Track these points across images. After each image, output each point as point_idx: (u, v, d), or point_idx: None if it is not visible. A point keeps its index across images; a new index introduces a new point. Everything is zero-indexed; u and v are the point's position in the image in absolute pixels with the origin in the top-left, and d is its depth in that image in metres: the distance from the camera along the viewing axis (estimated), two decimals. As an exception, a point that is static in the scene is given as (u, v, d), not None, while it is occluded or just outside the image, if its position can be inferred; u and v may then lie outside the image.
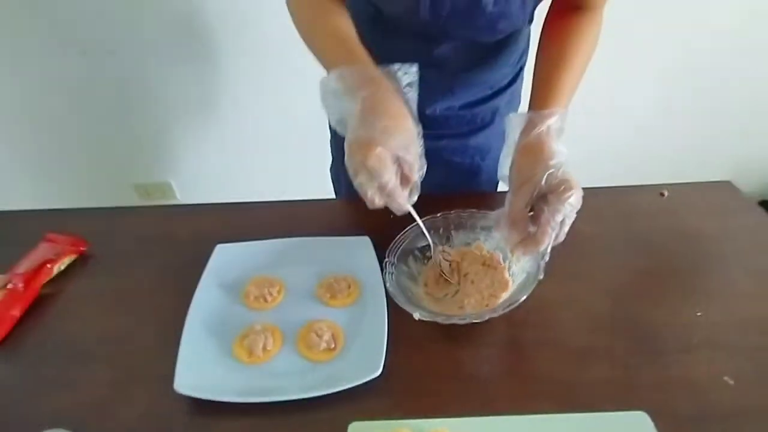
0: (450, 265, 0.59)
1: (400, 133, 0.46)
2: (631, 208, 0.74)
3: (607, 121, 1.51)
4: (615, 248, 0.67)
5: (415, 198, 0.51)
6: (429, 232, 0.59)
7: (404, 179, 0.48)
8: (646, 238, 0.68)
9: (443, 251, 0.59)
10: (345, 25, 0.56)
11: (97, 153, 1.51)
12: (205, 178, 1.58)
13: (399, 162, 0.46)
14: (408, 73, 0.49)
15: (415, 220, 0.55)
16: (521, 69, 0.75)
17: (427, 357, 0.53)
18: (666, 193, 0.76)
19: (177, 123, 1.47)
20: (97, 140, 1.47)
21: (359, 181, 0.46)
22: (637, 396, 0.49)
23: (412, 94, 0.50)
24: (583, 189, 0.50)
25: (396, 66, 0.49)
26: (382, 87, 0.48)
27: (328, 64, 0.53)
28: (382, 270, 0.58)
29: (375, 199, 0.47)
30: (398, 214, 0.50)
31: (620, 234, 0.69)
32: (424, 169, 0.49)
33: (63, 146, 1.46)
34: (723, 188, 0.78)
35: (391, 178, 0.45)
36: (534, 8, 0.59)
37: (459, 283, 0.57)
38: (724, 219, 0.72)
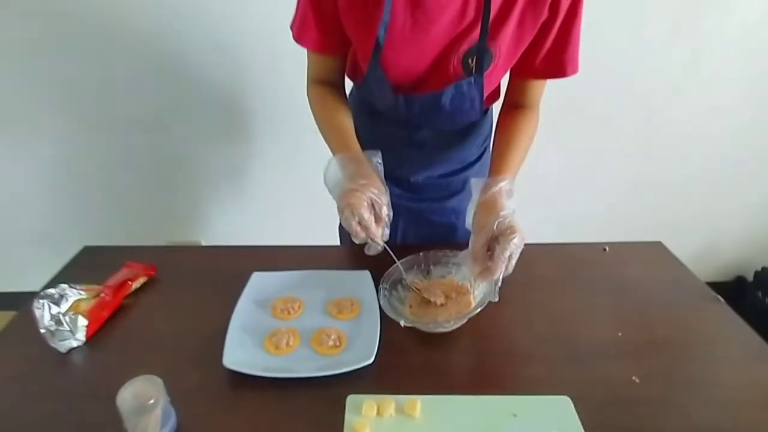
0: (420, 291, 0.78)
1: (373, 186, 0.69)
2: (579, 258, 0.93)
3: (578, 193, 1.77)
4: (561, 286, 0.85)
5: (387, 234, 0.71)
6: (413, 267, 0.80)
7: (377, 219, 0.69)
8: (586, 281, 0.87)
9: (414, 282, 0.79)
10: (344, 120, 0.81)
11: (140, 212, 1.76)
12: (229, 238, 1.81)
13: (372, 205, 0.68)
14: (376, 156, 0.75)
15: (397, 259, 0.76)
16: (486, 149, 0.97)
17: (408, 354, 0.70)
18: (607, 249, 0.95)
19: (210, 190, 1.74)
20: (142, 200, 1.73)
21: (344, 217, 0.67)
22: (564, 387, 0.64)
23: (380, 168, 0.74)
24: (546, 245, 0.70)
25: (369, 152, 0.75)
26: (362, 164, 0.72)
27: (331, 150, 0.79)
28: (377, 294, 0.77)
29: (357, 230, 0.67)
30: (376, 248, 0.71)
31: (567, 277, 0.88)
32: (391, 214, 0.71)
33: (114, 204, 1.72)
34: (655, 247, 0.98)
35: (366, 213, 0.66)
36: (482, 106, 0.80)
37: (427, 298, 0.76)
38: (649, 270, 0.90)
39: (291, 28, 0.79)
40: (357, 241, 0.69)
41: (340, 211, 0.68)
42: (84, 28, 1.40)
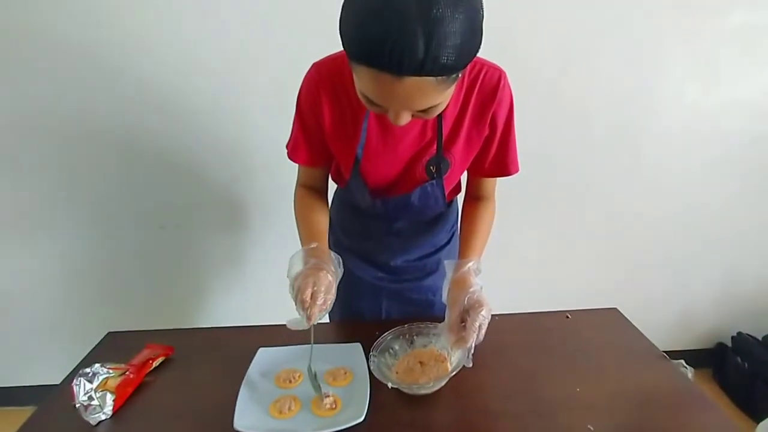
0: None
1: (320, 279, 0.79)
2: (544, 325, 1.06)
3: (552, 271, 1.92)
4: (530, 350, 0.97)
5: (318, 319, 0.79)
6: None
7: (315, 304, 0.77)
8: (551, 344, 0.99)
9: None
10: (318, 219, 0.95)
11: (144, 303, 1.88)
12: (230, 320, 1.91)
13: (314, 292, 0.78)
14: (336, 258, 0.87)
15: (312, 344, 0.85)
16: (454, 233, 1.13)
17: (395, 413, 0.81)
18: (569, 316, 1.09)
19: (213, 277, 1.88)
20: (147, 291, 1.86)
21: (290, 290, 0.79)
22: (530, 437, 0.75)
23: (340, 271, 0.85)
24: (514, 314, 0.86)
25: (334, 254, 0.87)
26: (322, 254, 0.85)
27: (301, 241, 0.92)
28: (368, 362, 0.88)
29: (302, 302, 0.77)
30: (301, 325, 0.79)
31: (533, 341, 1.00)
32: (329, 303, 0.80)
33: (118, 297, 1.85)
34: (610, 313, 1.11)
35: (307, 295, 0.77)
36: (444, 201, 0.96)
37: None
38: (606, 333, 1.03)
39: (286, 147, 0.97)
40: (298, 312, 0.79)
41: (290, 286, 0.80)
42: (104, 143, 1.60)
